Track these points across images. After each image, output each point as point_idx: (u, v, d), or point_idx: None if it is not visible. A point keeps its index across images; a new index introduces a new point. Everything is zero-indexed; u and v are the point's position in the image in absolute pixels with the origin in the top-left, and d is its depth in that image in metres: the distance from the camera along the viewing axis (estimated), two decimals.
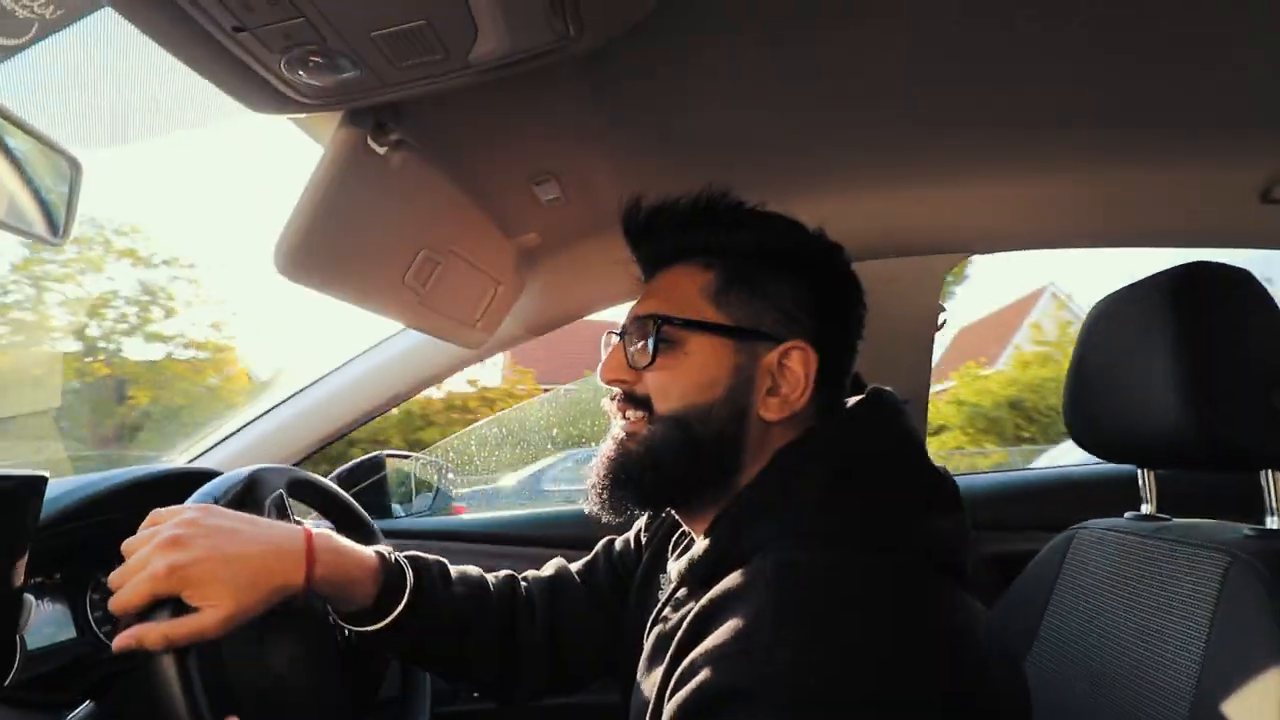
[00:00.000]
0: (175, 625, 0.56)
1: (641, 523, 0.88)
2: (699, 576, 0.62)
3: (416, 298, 0.91)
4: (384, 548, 0.73)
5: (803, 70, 0.79)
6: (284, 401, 1.25)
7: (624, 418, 0.67)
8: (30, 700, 0.72)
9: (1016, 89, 0.84)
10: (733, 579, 0.56)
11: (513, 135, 0.84)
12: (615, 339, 0.70)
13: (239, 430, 1.21)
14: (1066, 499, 1.32)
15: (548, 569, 0.90)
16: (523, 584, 0.87)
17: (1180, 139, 0.97)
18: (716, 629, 0.51)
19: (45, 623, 0.83)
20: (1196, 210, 1.13)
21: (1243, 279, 0.73)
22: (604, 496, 0.67)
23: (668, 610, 0.67)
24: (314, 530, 0.67)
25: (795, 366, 0.63)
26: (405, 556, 0.75)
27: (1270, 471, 0.72)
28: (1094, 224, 1.18)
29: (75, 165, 0.64)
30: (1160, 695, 0.69)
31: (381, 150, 0.72)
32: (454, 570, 0.81)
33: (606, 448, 0.68)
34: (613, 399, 0.69)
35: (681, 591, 0.67)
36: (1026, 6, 0.72)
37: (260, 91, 0.58)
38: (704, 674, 0.48)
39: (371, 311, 0.87)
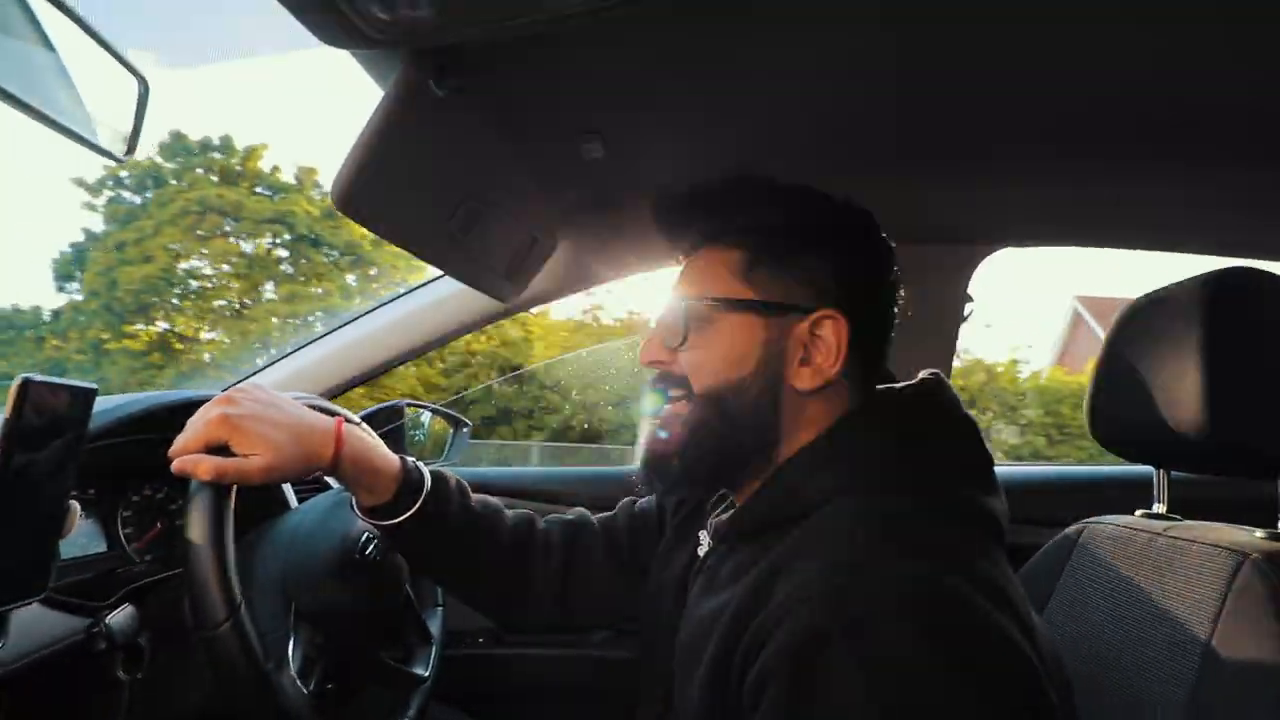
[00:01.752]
0: (223, 462, 0.65)
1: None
2: (751, 528, 0.65)
3: (456, 245, 0.92)
4: (409, 459, 0.79)
5: (847, 50, 0.79)
6: (319, 338, 1.27)
7: (666, 399, 0.69)
8: (66, 604, 0.74)
9: (1061, 91, 0.84)
10: (804, 528, 0.59)
11: (565, 90, 0.83)
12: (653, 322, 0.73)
13: (274, 363, 1.24)
14: (1077, 497, 1.34)
15: (569, 514, 0.94)
16: (542, 523, 0.91)
17: (1226, 146, 0.96)
18: (796, 574, 0.53)
19: (78, 535, 0.85)
20: (1236, 220, 1.13)
21: (1277, 284, 0.74)
22: (652, 478, 0.70)
23: (712, 562, 0.69)
24: (343, 420, 0.75)
25: (827, 335, 0.65)
26: (429, 470, 0.80)
27: None
28: (1131, 226, 1.17)
29: (144, 84, 0.64)
30: (1158, 693, 0.70)
31: (441, 94, 0.72)
32: (473, 494, 0.85)
33: (650, 433, 0.70)
34: (652, 381, 0.71)
35: (723, 546, 0.69)
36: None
37: (334, 23, 0.58)
38: (795, 617, 0.50)
39: (412, 254, 0.88)
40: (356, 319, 1.29)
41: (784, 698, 0.48)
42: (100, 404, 0.87)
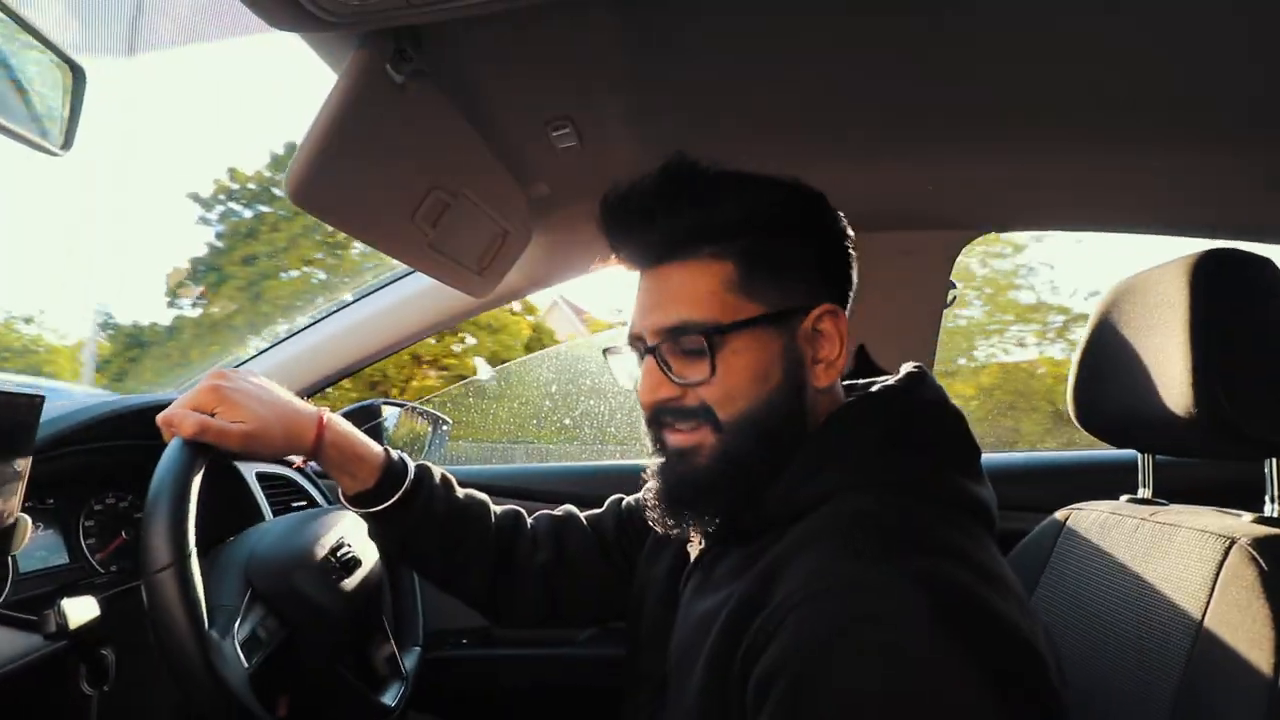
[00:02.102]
0: (207, 420, 0.67)
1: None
2: (753, 525, 0.63)
3: (424, 238, 0.89)
4: (393, 450, 0.80)
5: (825, 37, 0.77)
6: (289, 337, 1.24)
7: (674, 428, 0.65)
8: (22, 620, 0.72)
9: (1043, 69, 0.83)
10: (802, 526, 0.58)
11: (534, 73, 0.81)
12: (625, 351, 0.69)
13: (244, 363, 1.20)
14: (1062, 483, 1.33)
15: (557, 510, 0.93)
16: (529, 519, 0.90)
17: (1211, 126, 0.95)
18: (798, 572, 0.53)
19: (37, 547, 0.83)
20: (1219, 200, 1.12)
21: (1263, 266, 0.73)
22: (677, 510, 0.65)
23: (707, 561, 0.68)
24: (326, 411, 0.76)
25: (828, 328, 0.64)
26: (413, 461, 0.81)
27: (1274, 460, 0.72)
28: (1113, 208, 1.17)
29: (79, 73, 0.61)
30: (1145, 678, 0.70)
31: (399, 79, 0.69)
32: (460, 487, 0.85)
33: (667, 462, 0.66)
34: (652, 420, 0.66)
35: (718, 547, 0.68)
36: None
37: (284, 6, 0.55)
38: (800, 615, 0.49)
39: (378, 249, 0.86)
40: (325, 317, 1.26)
41: (791, 696, 0.47)
42: (56, 410, 0.84)
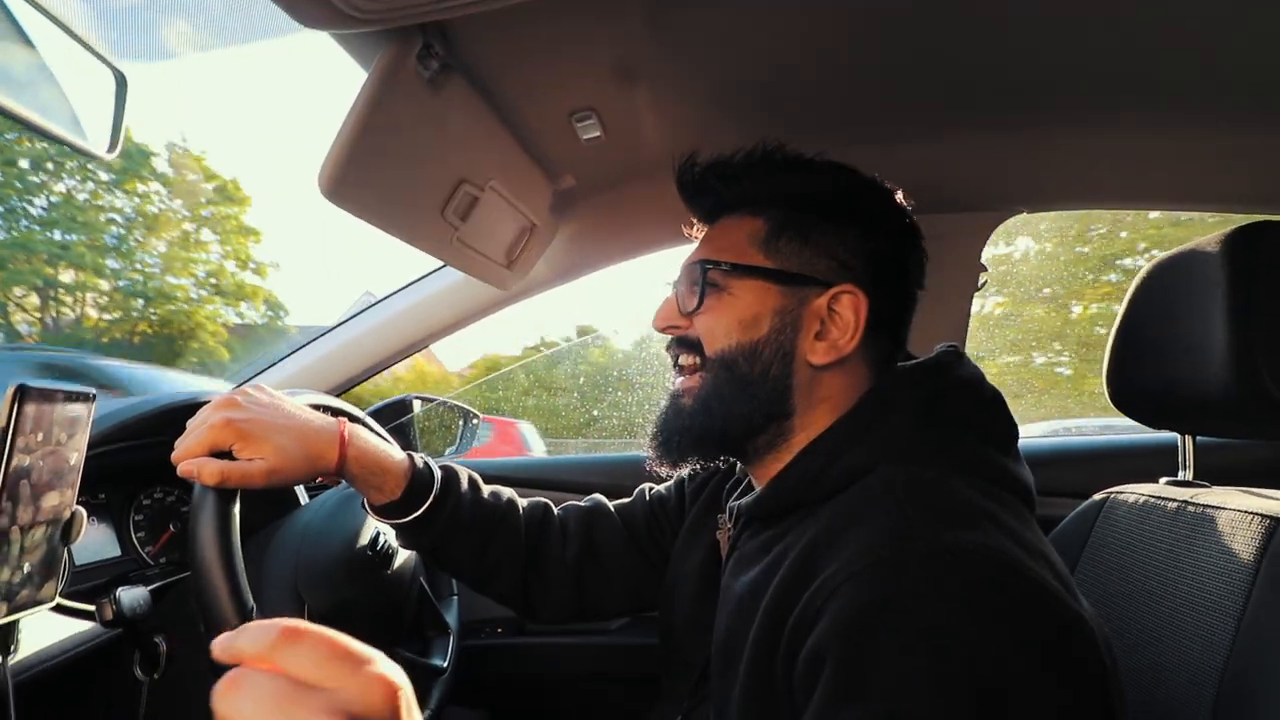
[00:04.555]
0: (228, 466, 0.64)
1: (685, 473, 0.89)
2: (780, 507, 0.64)
3: (453, 232, 0.90)
4: (417, 455, 0.79)
5: (849, 17, 0.76)
6: (323, 335, 1.26)
7: (677, 364, 0.70)
8: (80, 611, 0.74)
9: (1067, 46, 0.81)
10: (842, 503, 0.58)
11: (558, 65, 0.81)
12: (669, 289, 0.73)
13: (279, 361, 1.23)
14: (1098, 467, 1.31)
15: (585, 501, 0.93)
16: (558, 511, 0.90)
17: (1243, 98, 0.92)
18: (842, 549, 0.52)
19: (91, 540, 0.86)
20: (1253, 174, 1.09)
21: None
22: (661, 449, 0.69)
23: (741, 544, 0.69)
24: (347, 423, 0.74)
25: (845, 311, 0.64)
26: (438, 464, 0.80)
27: None
28: (1148, 184, 1.14)
29: (121, 79, 0.63)
30: (1189, 661, 0.69)
31: (426, 74, 0.70)
32: (486, 485, 0.85)
33: (665, 405, 0.70)
34: (668, 348, 0.71)
35: (749, 530, 0.68)
36: None
37: (313, 4, 0.56)
38: (845, 592, 0.49)
39: (409, 244, 0.86)
40: (358, 315, 1.28)
41: (841, 673, 0.46)
42: (105, 407, 0.87)
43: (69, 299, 11.28)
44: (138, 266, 11.60)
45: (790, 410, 0.65)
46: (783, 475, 0.65)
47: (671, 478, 0.91)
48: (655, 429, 0.71)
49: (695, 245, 0.73)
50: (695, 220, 0.76)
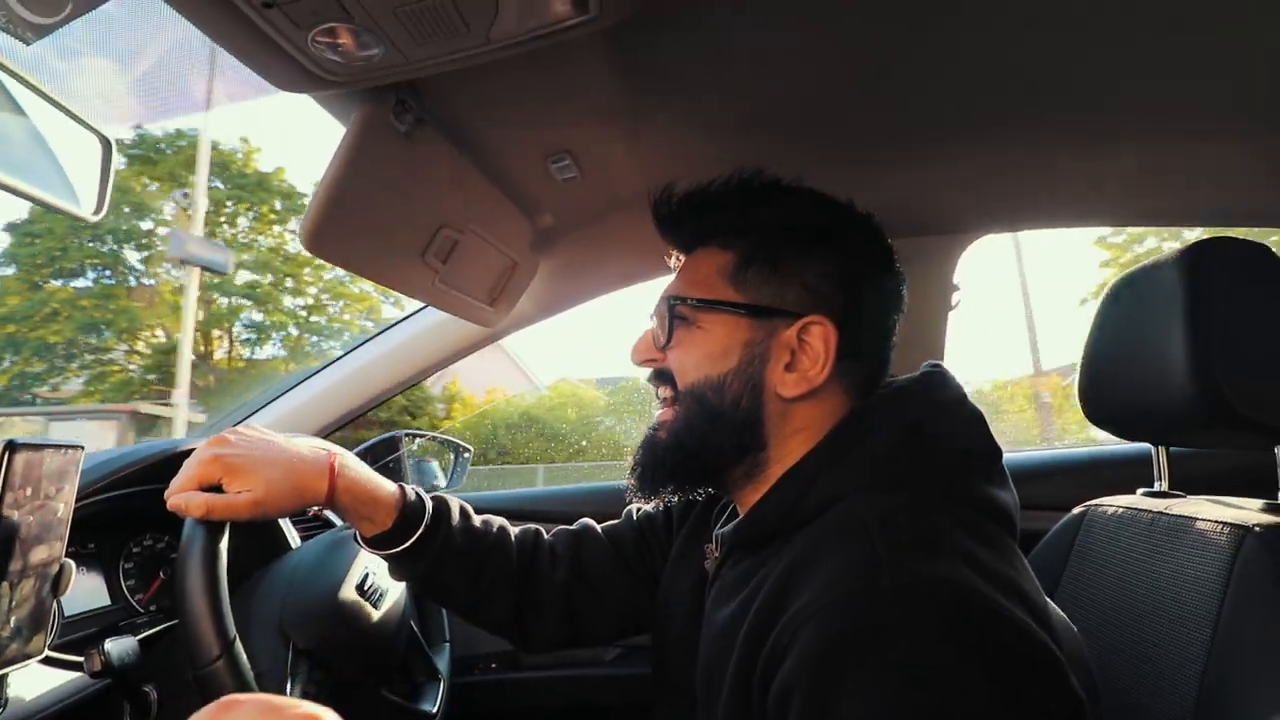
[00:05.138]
0: (213, 498, 0.66)
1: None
2: (757, 536, 0.64)
3: (435, 275, 0.93)
4: (407, 486, 0.80)
5: (820, 48, 0.79)
6: (309, 377, 1.28)
7: (658, 396, 0.71)
8: (69, 663, 0.75)
9: (1033, 69, 0.84)
10: (813, 532, 0.58)
11: (530, 113, 0.84)
12: (651, 322, 0.74)
13: (264, 405, 1.24)
14: (1079, 479, 1.32)
15: (574, 525, 0.93)
16: (547, 537, 0.91)
17: (1210, 116, 0.95)
18: (810, 581, 0.52)
19: (80, 590, 0.86)
20: (1221, 189, 1.12)
21: (1258, 253, 0.73)
22: (639, 481, 0.70)
23: (724, 572, 0.69)
24: (338, 455, 0.75)
25: (814, 342, 0.64)
26: (429, 494, 0.81)
27: None
28: (1111, 202, 1.17)
29: (106, 143, 0.65)
30: (1168, 671, 0.69)
31: (402, 128, 0.73)
32: (476, 515, 0.85)
33: (644, 439, 0.71)
34: (649, 380, 0.73)
35: (731, 557, 0.69)
36: None
37: (287, 69, 0.59)
38: (813, 625, 0.49)
39: (391, 288, 0.89)
40: (344, 356, 1.30)
41: (809, 706, 0.46)
42: (93, 458, 0.88)
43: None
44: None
45: (763, 442, 0.65)
46: (759, 505, 0.65)
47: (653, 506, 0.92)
48: (634, 462, 0.71)
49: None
50: (674, 252, 0.76)
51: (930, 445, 0.61)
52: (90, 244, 10.78)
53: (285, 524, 1.05)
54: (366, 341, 1.29)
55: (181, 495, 0.66)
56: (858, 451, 0.61)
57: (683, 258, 0.75)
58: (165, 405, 9.49)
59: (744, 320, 0.66)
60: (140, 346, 11.07)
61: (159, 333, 11.04)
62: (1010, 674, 0.46)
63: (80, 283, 11.01)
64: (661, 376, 0.70)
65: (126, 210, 10.89)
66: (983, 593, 0.48)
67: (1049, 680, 0.47)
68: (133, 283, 11.21)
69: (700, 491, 0.76)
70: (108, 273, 11.15)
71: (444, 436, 1.43)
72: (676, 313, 0.68)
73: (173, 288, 10.75)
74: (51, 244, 10.61)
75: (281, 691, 0.70)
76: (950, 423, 0.64)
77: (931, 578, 0.49)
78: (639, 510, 0.94)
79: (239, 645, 0.63)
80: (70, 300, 10.51)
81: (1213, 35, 0.78)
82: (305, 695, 0.73)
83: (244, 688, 0.62)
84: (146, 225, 11.28)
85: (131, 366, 10.91)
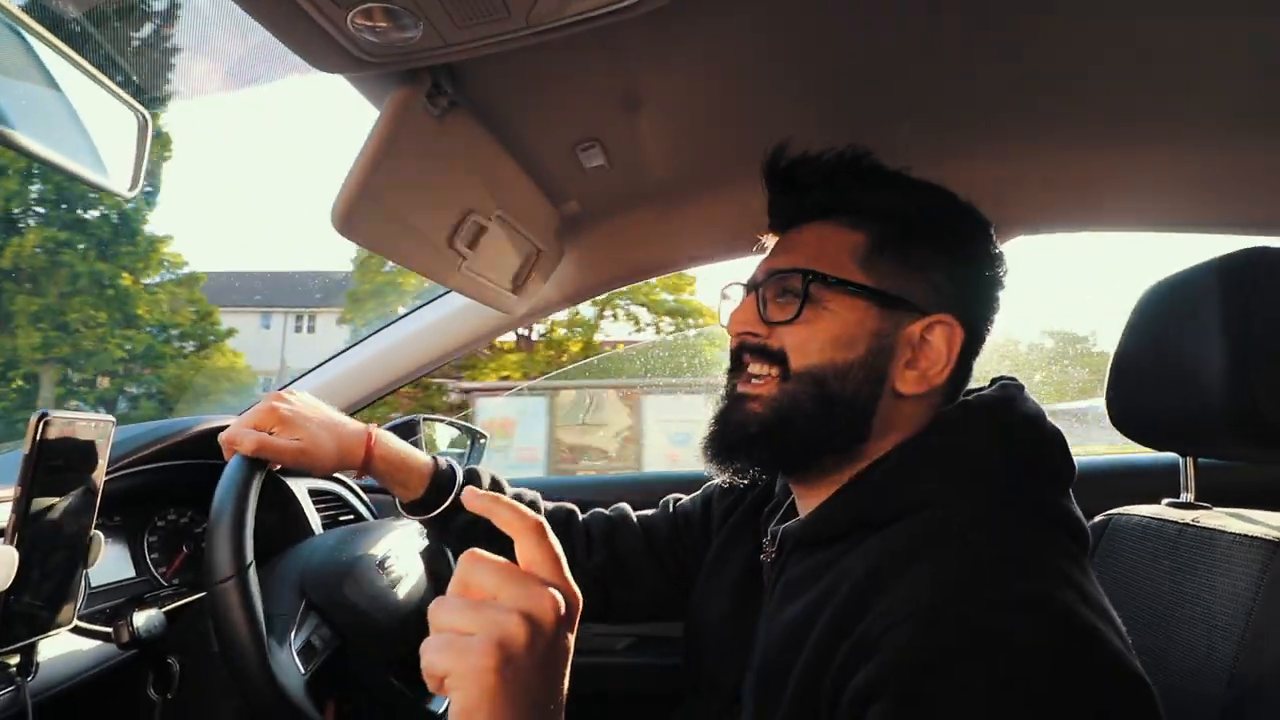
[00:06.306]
0: (265, 438, 0.71)
1: (715, 493, 0.89)
2: (829, 533, 0.62)
3: (461, 260, 0.93)
4: (439, 457, 0.85)
5: (850, 40, 0.78)
6: (335, 356, 1.29)
7: (746, 370, 0.67)
8: (96, 632, 0.76)
9: (1070, 69, 0.82)
10: (903, 534, 0.56)
11: (562, 99, 0.84)
12: (740, 290, 0.71)
13: (292, 383, 1.25)
14: (1103, 486, 1.30)
15: (609, 510, 0.94)
16: (583, 517, 0.92)
17: (1246, 125, 0.93)
18: (903, 585, 0.51)
19: (106, 562, 0.87)
20: (1256, 196, 1.09)
21: None
22: (724, 456, 0.67)
23: (790, 568, 0.66)
24: (374, 428, 0.81)
25: (938, 341, 0.63)
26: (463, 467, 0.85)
27: None
28: (1146, 207, 1.14)
29: (144, 119, 0.66)
30: (1193, 686, 0.69)
31: (436, 112, 0.73)
32: (510, 487, 0.89)
33: (726, 406, 0.67)
34: (738, 351, 0.68)
35: (799, 552, 0.66)
36: None
37: (326, 48, 0.59)
38: (906, 631, 0.47)
39: (417, 272, 0.89)
40: (367, 338, 1.31)
41: (902, 710, 0.45)
42: (120, 433, 0.89)
43: None
44: None
45: (866, 435, 0.63)
46: (835, 500, 0.63)
47: (701, 489, 0.91)
48: (716, 429, 0.67)
49: (748, 258, 0.73)
50: (770, 220, 0.72)
51: (1020, 459, 0.60)
52: None
53: (309, 510, 1.06)
54: (391, 324, 1.30)
55: (236, 430, 0.71)
56: (950, 458, 0.60)
57: (773, 237, 0.71)
58: None
59: (873, 308, 0.62)
60: None
61: None
62: (1105, 699, 0.45)
63: None
64: (763, 352, 0.65)
65: None
66: (1081, 615, 0.47)
67: (1140, 709, 0.46)
68: None
69: (767, 475, 0.73)
70: None
71: (461, 422, 1.44)
72: (810, 291, 0.63)
73: None
74: None
75: (286, 635, 0.71)
76: (1037, 439, 0.62)
77: (1035, 595, 0.48)
78: (676, 500, 0.94)
79: (253, 571, 0.66)
80: None
81: (1255, 45, 0.76)
82: (309, 647, 0.74)
83: (251, 610, 0.65)
84: None
85: None
